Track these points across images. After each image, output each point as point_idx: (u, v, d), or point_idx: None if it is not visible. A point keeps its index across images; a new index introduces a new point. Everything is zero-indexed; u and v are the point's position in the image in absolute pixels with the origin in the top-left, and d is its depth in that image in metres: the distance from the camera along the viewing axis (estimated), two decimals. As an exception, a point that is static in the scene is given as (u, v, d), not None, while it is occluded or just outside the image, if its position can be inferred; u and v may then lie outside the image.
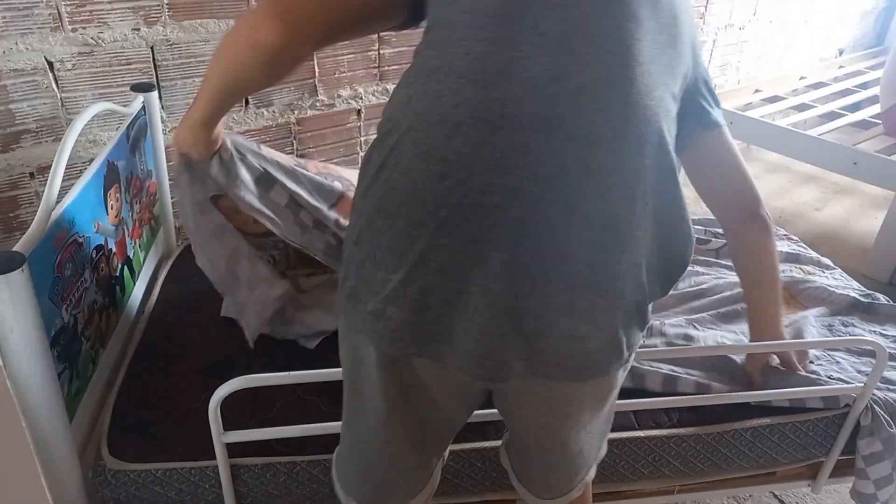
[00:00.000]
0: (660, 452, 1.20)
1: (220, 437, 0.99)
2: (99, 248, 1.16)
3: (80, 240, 1.08)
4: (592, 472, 0.95)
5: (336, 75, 1.86)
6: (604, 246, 0.68)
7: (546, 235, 0.66)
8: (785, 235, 1.78)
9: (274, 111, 1.81)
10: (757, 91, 3.04)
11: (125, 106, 1.37)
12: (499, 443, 1.04)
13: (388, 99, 0.78)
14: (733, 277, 1.48)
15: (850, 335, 1.34)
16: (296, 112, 1.85)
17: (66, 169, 1.03)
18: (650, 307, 0.76)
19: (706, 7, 2.80)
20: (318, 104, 1.88)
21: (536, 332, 0.69)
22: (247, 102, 1.75)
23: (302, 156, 1.91)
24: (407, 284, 0.68)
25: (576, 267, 0.67)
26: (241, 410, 1.11)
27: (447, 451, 0.98)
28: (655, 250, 0.72)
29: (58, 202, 1.00)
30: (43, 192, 0.98)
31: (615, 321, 0.71)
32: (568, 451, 0.86)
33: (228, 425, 1.00)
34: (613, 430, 1.17)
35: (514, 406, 0.83)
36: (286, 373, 0.99)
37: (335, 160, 1.97)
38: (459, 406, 0.84)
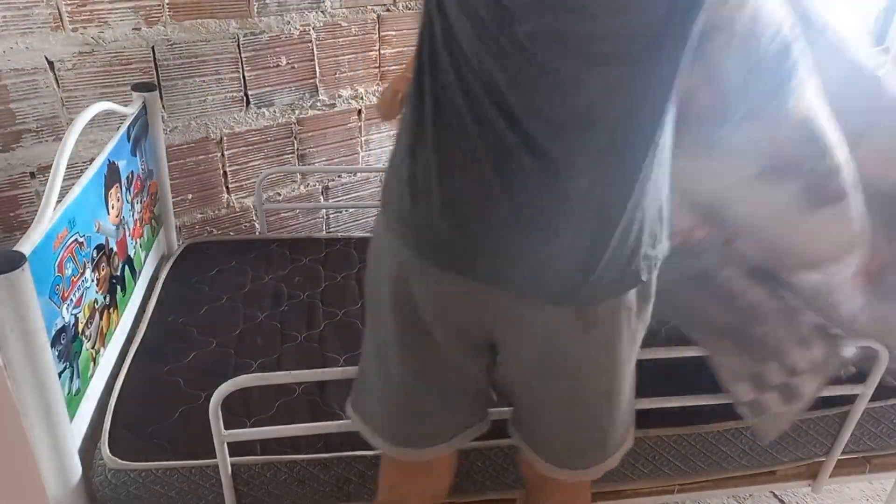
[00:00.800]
0: (660, 451, 1.21)
1: (221, 436, 0.99)
2: (100, 247, 1.16)
3: (81, 239, 1.08)
4: (609, 461, 0.91)
5: (336, 75, 1.86)
6: None
7: None
8: None
9: (275, 111, 1.81)
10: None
11: (126, 106, 1.37)
12: (501, 443, 1.04)
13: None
14: None
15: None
16: (296, 112, 1.85)
17: (67, 168, 1.03)
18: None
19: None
20: (318, 104, 1.88)
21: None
22: (248, 102, 1.75)
23: (302, 156, 1.92)
24: None
25: None
26: (241, 409, 1.11)
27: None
28: None
29: (59, 202, 1.01)
30: (43, 191, 0.98)
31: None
32: (576, 406, 0.85)
33: (229, 424, 1.01)
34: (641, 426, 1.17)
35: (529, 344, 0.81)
36: (286, 372, 0.99)
37: (336, 160, 1.98)
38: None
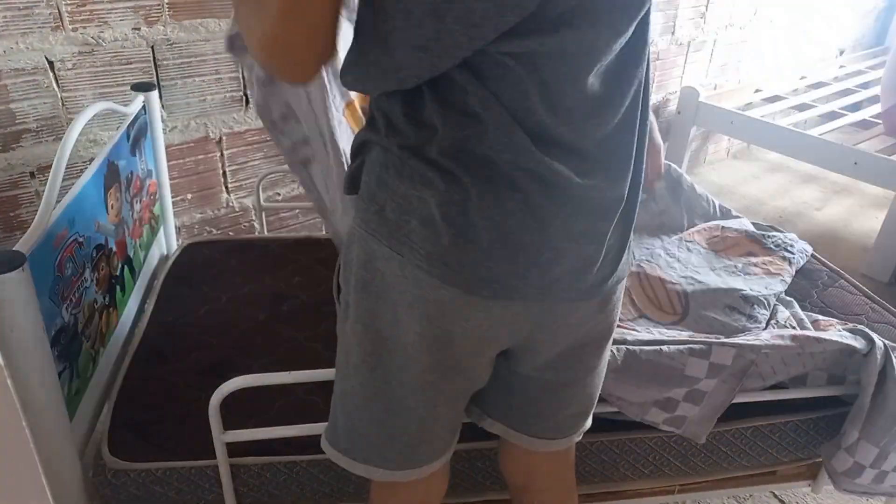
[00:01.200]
0: (660, 452, 1.20)
1: (221, 437, 0.99)
2: (99, 247, 1.16)
3: (81, 239, 1.08)
4: (590, 422, 0.95)
5: (336, 75, 1.86)
6: None
7: None
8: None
9: (274, 111, 1.81)
10: (757, 91, 3.04)
11: (126, 105, 1.37)
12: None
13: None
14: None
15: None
16: (296, 111, 1.85)
17: (67, 168, 1.03)
18: None
19: (706, 6, 2.80)
20: (318, 104, 1.88)
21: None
22: (247, 101, 1.75)
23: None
24: None
25: None
26: (241, 410, 1.11)
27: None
28: None
29: (58, 201, 1.00)
30: (43, 191, 0.98)
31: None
32: (587, 382, 0.88)
33: (228, 425, 1.00)
34: (615, 429, 1.18)
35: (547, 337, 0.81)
36: (286, 373, 0.99)
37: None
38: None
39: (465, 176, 0.67)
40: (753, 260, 1.52)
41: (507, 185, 0.68)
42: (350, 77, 0.71)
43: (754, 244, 1.57)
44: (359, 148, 0.76)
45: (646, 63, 0.72)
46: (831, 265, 1.59)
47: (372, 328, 0.78)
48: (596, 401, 0.93)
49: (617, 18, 0.66)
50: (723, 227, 1.63)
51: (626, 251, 0.79)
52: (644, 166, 0.77)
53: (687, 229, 1.67)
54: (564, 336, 0.81)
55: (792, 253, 1.54)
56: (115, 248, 1.24)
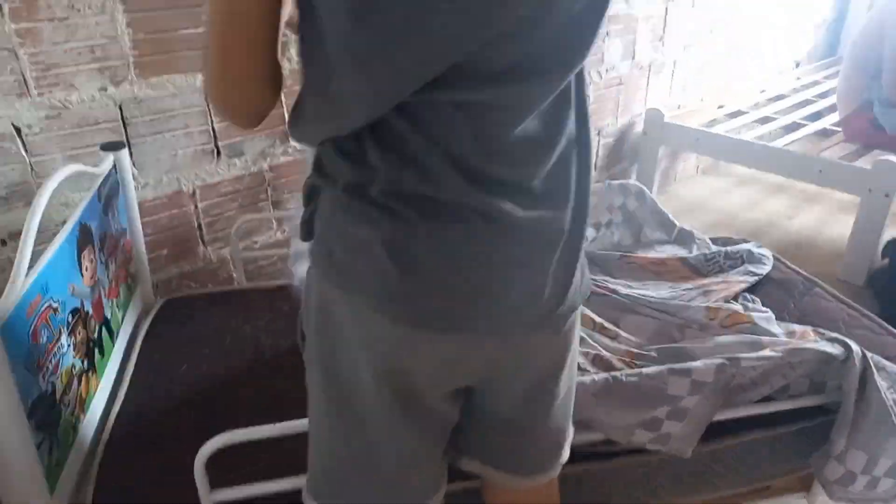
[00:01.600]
0: (654, 474, 1.20)
1: (208, 497, 0.97)
2: (75, 311, 1.15)
3: (55, 305, 1.06)
4: (566, 454, 0.94)
5: (306, 121, 1.88)
6: None
7: None
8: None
9: (246, 160, 1.82)
10: (720, 107, 3.12)
11: (96, 166, 1.37)
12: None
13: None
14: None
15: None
16: (268, 159, 1.86)
17: (39, 233, 1.02)
18: None
19: (664, 30, 2.88)
20: (290, 150, 1.89)
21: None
22: (218, 153, 1.76)
23: (276, 203, 1.92)
24: None
25: None
26: (229, 465, 1.09)
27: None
28: None
29: (31, 267, 0.99)
30: (15, 258, 0.97)
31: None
32: (552, 414, 0.87)
33: (218, 481, 0.99)
34: (608, 455, 1.17)
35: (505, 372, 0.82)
36: (270, 425, 0.98)
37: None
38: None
39: (409, 213, 0.68)
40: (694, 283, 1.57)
41: (451, 220, 0.69)
42: (296, 131, 0.74)
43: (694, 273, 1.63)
44: (309, 193, 0.77)
45: (583, 99, 0.74)
46: (805, 273, 1.62)
47: (332, 371, 0.78)
48: (568, 432, 0.93)
49: (557, 74, 0.68)
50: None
51: (575, 280, 0.78)
52: (589, 196, 0.77)
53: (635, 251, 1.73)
54: (522, 369, 0.81)
55: (749, 270, 1.59)
56: (91, 311, 1.23)
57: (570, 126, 0.73)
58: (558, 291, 0.77)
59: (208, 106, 1.69)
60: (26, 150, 1.46)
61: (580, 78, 0.73)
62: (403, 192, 0.68)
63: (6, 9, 1.35)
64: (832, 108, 2.90)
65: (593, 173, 0.83)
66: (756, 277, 1.57)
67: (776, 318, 1.43)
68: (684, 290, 1.53)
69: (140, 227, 1.54)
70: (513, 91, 0.66)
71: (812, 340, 1.22)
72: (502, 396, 0.84)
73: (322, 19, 0.63)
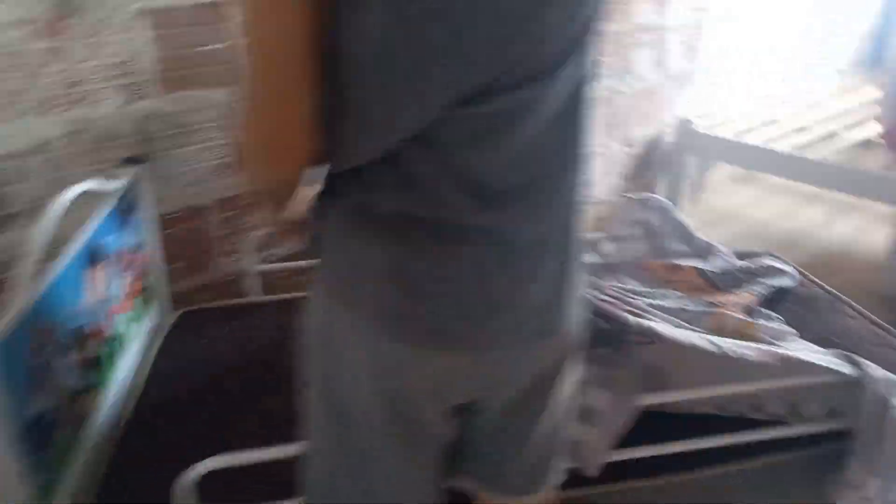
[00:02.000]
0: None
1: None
2: (78, 330, 1.16)
3: (56, 324, 1.07)
4: (558, 475, 0.93)
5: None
6: None
7: None
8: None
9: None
10: (756, 116, 3.04)
11: (118, 180, 1.39)
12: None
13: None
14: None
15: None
16: (287, 172, 1.88)
17: (52, 249, 1.04)
18: None
19: (696, 39, 2.82)
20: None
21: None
22: (236, 166, 1.79)
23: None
24: None
25: None
26: (227, 487, 1.08)
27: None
28: None
29: (39, 283, 1.01)
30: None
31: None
32: (538, 429, 0.86)
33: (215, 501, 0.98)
34: (614, 479, 1.14)
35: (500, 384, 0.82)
36: (264, 449, 0.98)
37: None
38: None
39: (413, 232, 0.70)
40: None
41: (454, 240, 0.70)
42: (335, 160, 0.73)
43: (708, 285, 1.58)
44: (317, 212, 0.78)
45: (583, 118, 0.74)
46: (829, 288, 1.56)
47: (329, 388, 0.79)
48: (559, 452, 0.92)
49: (562, 73, 0.68)
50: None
51: (574, 294, 0.80)
52: (580, 213, 0.78)
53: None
54: (517, 382, 0.81)
55: (761, 282, 1.54)
56: (95, 330, 1.23)
57: (573, 145, 0.74)
58: (558, 305, 0.78)
59: (229, 119, 1.72)
60: (49, 166, 1.50)
61: (582, 97, 0.73)
62: (409, 212, 0.70)
63: (37, 27, 1.40)
64: (873, 118, 2.79)
65: (596, 186, 0.84)
66: (770, 290, 1.52)
67: (799, 336, 1.37)
68: (691, 303, 1.49)
69: (158, 240, 1.57)
70: (525, 96, 0.67)
71: (819, 356, 1.17)
72: (495, 410, 0.84)
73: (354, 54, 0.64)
